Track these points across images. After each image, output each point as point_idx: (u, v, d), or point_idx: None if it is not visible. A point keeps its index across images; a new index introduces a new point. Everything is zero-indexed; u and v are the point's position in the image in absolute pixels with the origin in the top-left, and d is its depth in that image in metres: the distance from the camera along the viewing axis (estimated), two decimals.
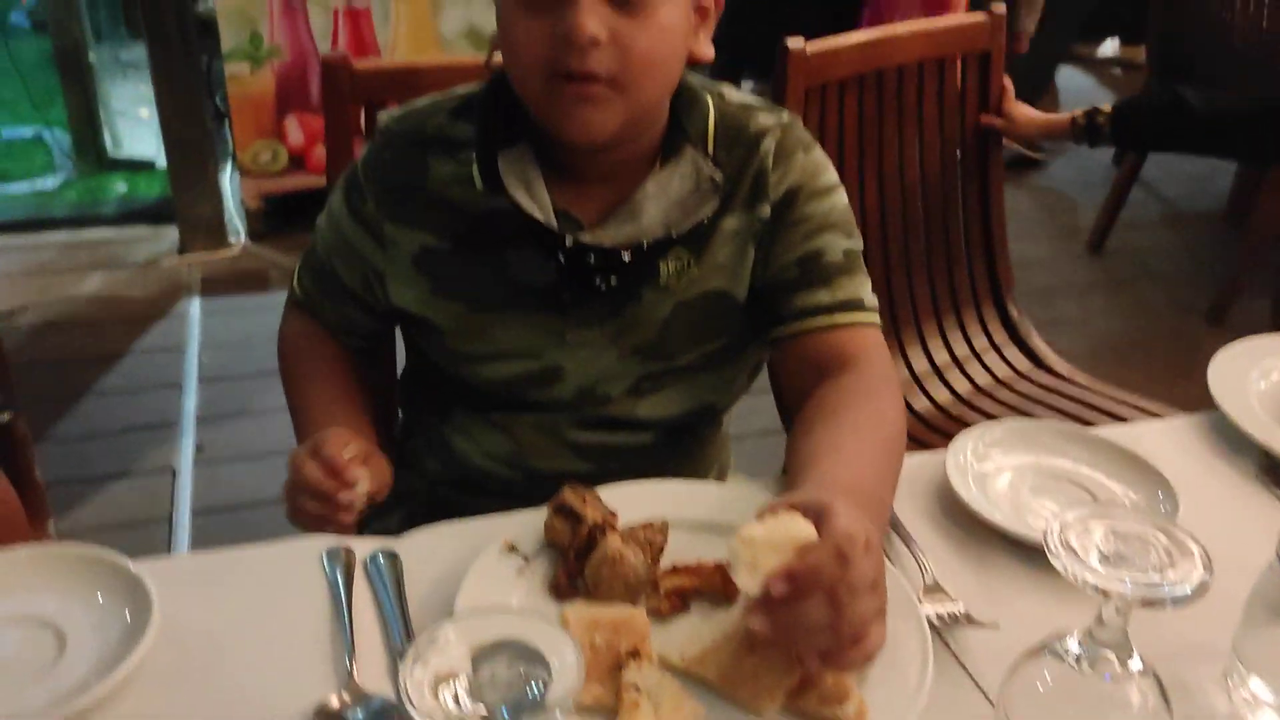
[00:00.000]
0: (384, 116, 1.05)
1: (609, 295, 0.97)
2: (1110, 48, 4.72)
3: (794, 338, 0.99)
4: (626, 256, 0.95)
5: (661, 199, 0.96)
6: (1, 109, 3.30)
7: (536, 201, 0.94)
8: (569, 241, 0.94)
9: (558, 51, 0.86)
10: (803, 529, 0.69)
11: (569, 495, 0.84)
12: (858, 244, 1.02)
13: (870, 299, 1.00)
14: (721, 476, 1.17)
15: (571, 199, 0.96)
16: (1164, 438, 1.06)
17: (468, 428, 1.06)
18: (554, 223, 0.94)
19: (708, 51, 0.95)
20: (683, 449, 1.10)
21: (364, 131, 1.31)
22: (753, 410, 1.12)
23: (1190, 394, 1.18)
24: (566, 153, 0.95)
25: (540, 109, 0.91)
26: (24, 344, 2.51)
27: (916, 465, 0.96)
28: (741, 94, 1.03)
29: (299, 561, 0.86)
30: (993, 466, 0.97)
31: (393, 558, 0.85)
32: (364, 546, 0.87)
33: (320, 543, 0.87)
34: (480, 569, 0.81)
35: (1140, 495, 0.93)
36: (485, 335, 1.00)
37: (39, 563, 0.80)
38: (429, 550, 0.87)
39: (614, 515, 0.84)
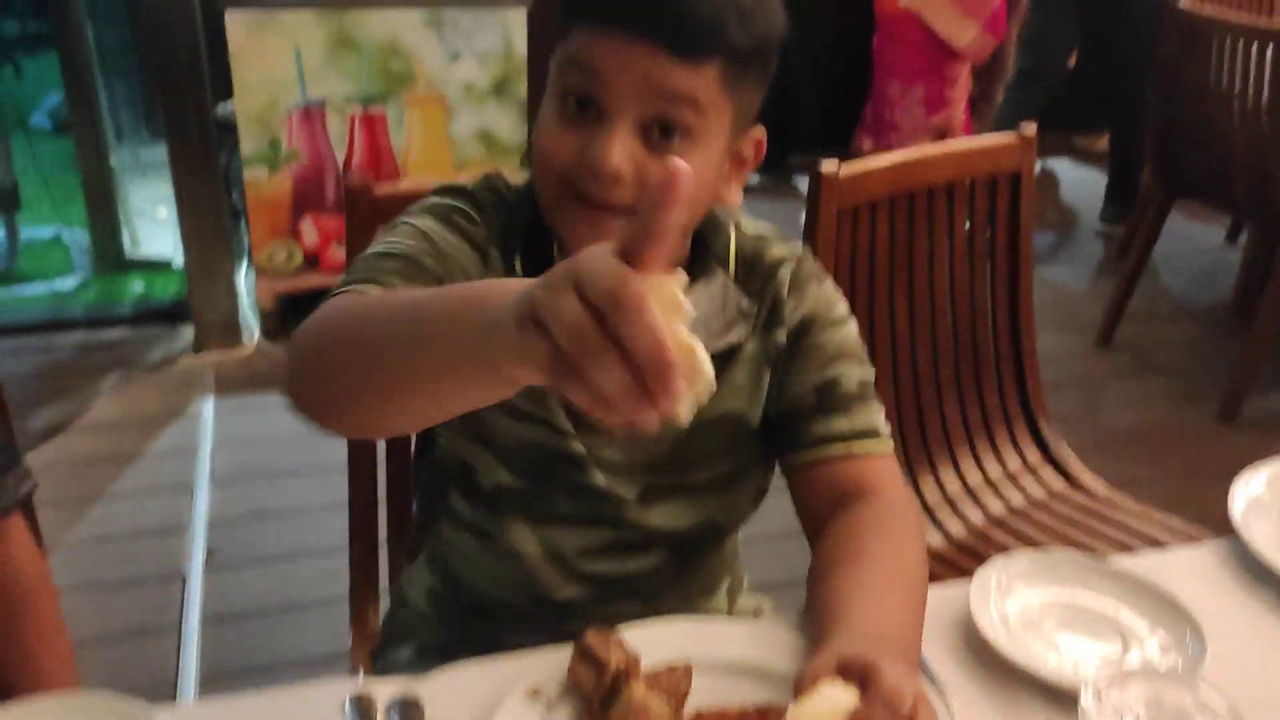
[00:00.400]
0: (456, 181, 1.00)
1: None
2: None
3: (811, 465, 0.99)
4: None
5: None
6: (23, 209, 3.34)
7: None
8: None
9: (579, 173, 0.87)
10: (845, 698, 0.70)
11: (592, 639, 0.84)
12: (870, 374, 1.03)
13: (885, 427, 1.02)
14: (734, 590, 1.16)
15: None
16: (1186, 567, 1.05)
17: (471, 554, 1.05)
18: None
19: (735, 198, 0.97)
20: (690, 569, 1.09)
21: None
22: (763, 513, 1.12)
23: (1204, 494, 1.18)
24: None
25: (551, 220, 0.92)
26: (38, 447, 2.51)
27: (940, 601, 0.95)
28: (755, 224, 1.06)
29: (320, 711, 0.85)
30: (1016, 603, 0.96)
31: (415, 707, 0.84)
32: (384, 690, 0.86)
33: (340, 690, 0.87)
34: (505, 717, 0.81)
35: (1168, 634, 0.92)
36: (527, 391, 0.97)
37: (63, 714, 0.80)
38: (452, 693, 0.86)
39: (637, 660, 0.83)
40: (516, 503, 1.01)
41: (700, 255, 0.99)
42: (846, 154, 4.61)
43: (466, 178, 1.00)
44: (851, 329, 1.04)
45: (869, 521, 0.94)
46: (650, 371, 0.52)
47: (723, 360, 0.99)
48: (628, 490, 1.01)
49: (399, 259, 0.88)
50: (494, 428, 1.00)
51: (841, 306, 1.04)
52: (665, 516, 1.03)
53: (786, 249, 1.04)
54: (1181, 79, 2.88)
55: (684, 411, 0.54)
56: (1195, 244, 4.04)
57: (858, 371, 1.02)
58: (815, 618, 0.86)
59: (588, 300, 0.53)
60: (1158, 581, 0.97)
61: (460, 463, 1.02)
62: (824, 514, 0.97)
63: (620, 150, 0.85)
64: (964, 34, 4.10)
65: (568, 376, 0.55)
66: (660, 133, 0.87)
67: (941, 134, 4.34)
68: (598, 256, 0.54)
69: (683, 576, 1.08)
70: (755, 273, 1.01)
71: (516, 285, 0.60)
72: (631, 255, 0.54)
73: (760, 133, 0.96)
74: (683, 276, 0.55)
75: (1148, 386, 3.09)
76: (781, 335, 1.01)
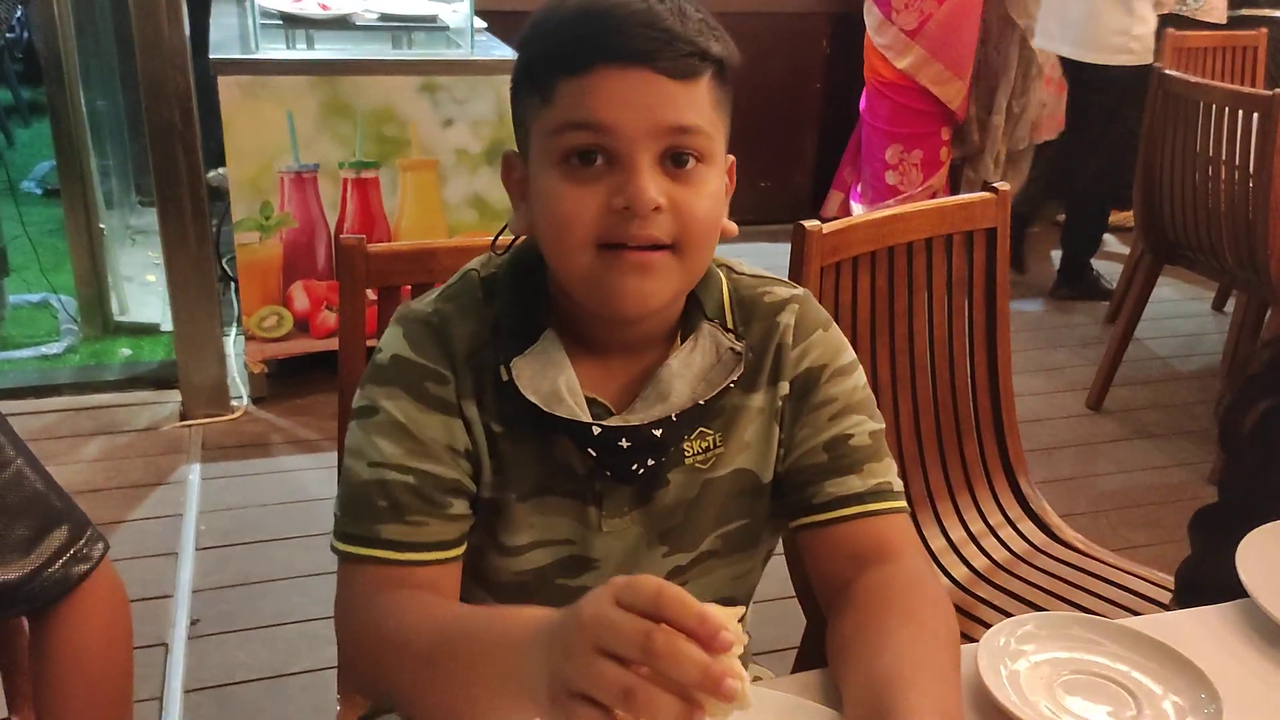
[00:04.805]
0: (422, 304, 0.97)
1: (639, 480, 0.95)
2: None
3: (826, 525, 0.97)
4: (658, 432, 0.92)
5: (687, 375, 0.94)
6: (11, 275, 3.33)
7: (568, 391, 0.92)
8: (596, 430, 0.91)
9: (613, 221, 0.85)
10: None
11: None
12: (880, 424, 1.01)
13: (897, 482, 1.00)
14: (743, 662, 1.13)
15: (598, 381, 0.95)
16: (1197, 628, 1.03)
17: None
18: (583, 414, 0.92)
19: (732, 227, 0.95)
20: None
21: (377, 313, 1.32)
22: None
23: None
24: (593, 328, 0.94)
25: (588, 283, 0.88)
26: None
27: None
28: (751, 267, 1.04)
29: None
30: (1026, 664, 0.94)
31: None
32: None
33: None
34: None
35: (1182, 697, 0.90)
36: (529, 524, 0.96)
37: None
38: None
39: None
40: (532, 595, 0.99)
41: (691, 310, 0.97)
42: (822, 220, 4.66)
43: (422, 302, 0.97)
44: (859, 378, 1.01)
45: (904, 585, 0.91)
46: (706, 644, 0.61)
47: (726, 415, 0.97)
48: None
49: (389, 510, 0.90)
50: (499, 569, 0.98)
51: (848, 353, 1.02)
52: None
53: (786, 290, 1.01)
54: (1167, 145, 2.92)
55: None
56: (1182, 309, 4.07)
57: (869, 424, 0.99)
58: (873, 684, 0.81)
59: (633, 610, 0.63)
60: (1169, 643, 0.95)
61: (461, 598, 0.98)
62: (843, 575, 0.94)
63: (653, 184, 0.85)
64: (957, 95, 4.18)
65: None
66: (674, 161, 0.86)
67: (934, 194, 4.39)
68: (626, 587, 0.64)
69: None
70: (755, 317, 0.99)
71: (522, 631, 0.72)
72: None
73: (732, 159, 0.95)
74: (739, 609, 0.65)
75: (1140, 450, 3.09)
76: (785, 386, 0.99)
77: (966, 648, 0.94)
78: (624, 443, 0.91)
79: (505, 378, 0.91)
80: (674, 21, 0.85)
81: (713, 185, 0.89)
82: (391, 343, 0.94)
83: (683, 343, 0.96)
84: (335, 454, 1.34)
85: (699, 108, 0.86)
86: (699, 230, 0.87)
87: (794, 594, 1.46)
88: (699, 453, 0.97)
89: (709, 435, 0.97)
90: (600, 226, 0.85)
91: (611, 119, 0.84)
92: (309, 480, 2.68)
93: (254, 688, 2.04)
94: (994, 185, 1.61)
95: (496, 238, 0.98)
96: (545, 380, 0.92)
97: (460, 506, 0.93)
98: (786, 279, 1.05)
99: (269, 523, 2.52)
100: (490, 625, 0.78)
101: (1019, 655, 0.94)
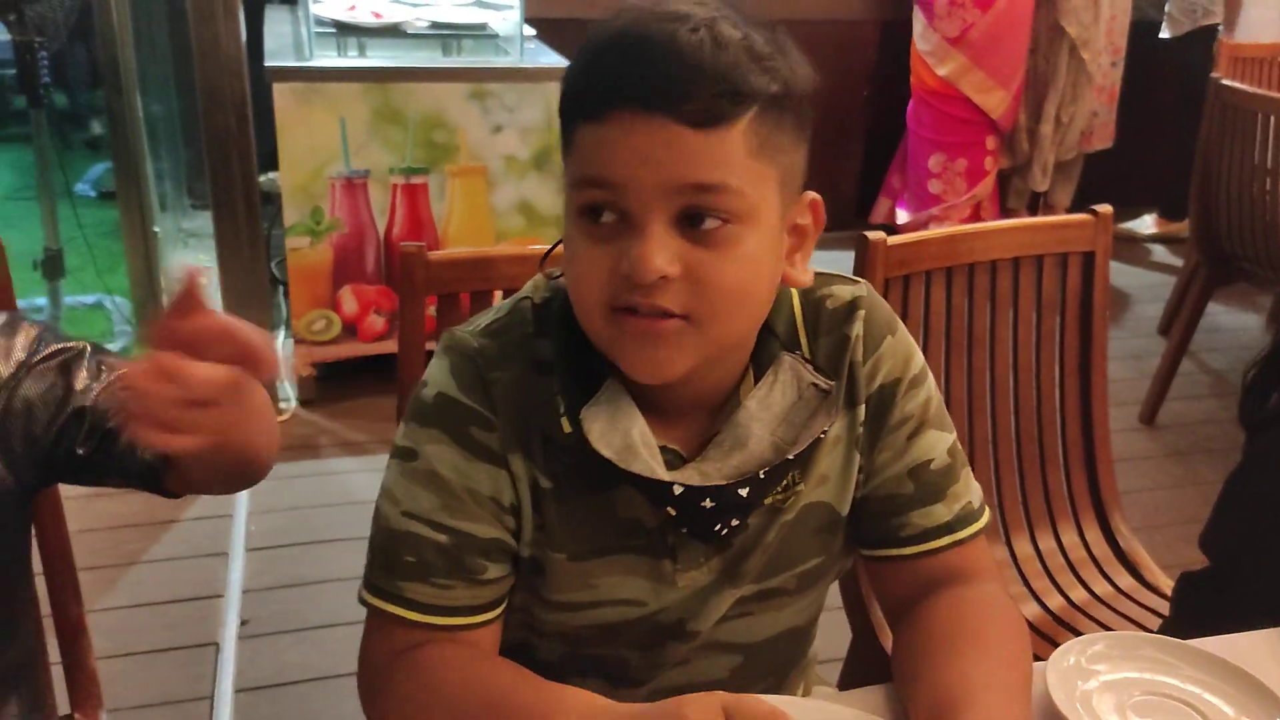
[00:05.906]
0: (469, 334, 0.89)
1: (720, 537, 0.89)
2: (1148, 223, 4.74)
3: (910, 558, 0.94)
4: (744, 492, 0.85)
5: (765, 417, 0.87)
6: (67, 276, 3.38)
7: (643, 444, 0.84)
8: (678, 490, 0.84)
9: (621, 287, 0.78)
10: None
11: None
12: (952, 433, 0.97)
13: (977, 495, 0.97)
14: (809, 682, 1.11)
15: (666, 429, 0.88)
16: (1270, 650, 1.01)
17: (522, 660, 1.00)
18: (660, 469, 0.84)
19: (804, 277, 0.87)
20: (767, 674, 1.02)
21: (437, 323, 1.33)
22: None
23: None
24: (647, 385, 0.85)
25: (603, 345, 0.83)
26: (79, 510, 2.50)
27: None
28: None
29: None
30: (1096, 684, 0.92)
31: None
32: None
33: None
34: None
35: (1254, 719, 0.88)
36: (588, 585, 0.90)
37: None
38: None
39: None
40: (585, 669, 0.95)
41: (763, 340, 0.89)
42: (869, 225, 4.64)
43: (469, 335, 0.89)
44: (930, 384, 0.96)
45: (976, 607, 0.89)
46: None
47: (809, 449, 0.88)
48: (704, 623, 0.93)
49: (415, 567, 0.86)
50: (554, 621, 0.93)
51: (917, 359, 0.95)
52: (735, 633, 0.96)
53: (848, 289, 0.93)
54: (1225, 157, 2.87)
55: None
56: (1236, 321, 4.00)
57: (946, 438, 0.95)
58: (938, 702, 0.80)
59: None
60: (1241, 665, 0.93)
61: (516, 642, 0.95)
62: (915, 597, 0.93)
63: (662, 251, 0.76)
64: (1000, 105, 4.14)
65: None
66: (692, 221, 0.77)
67: (979, 204, 4.36)
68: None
69: (757, 681, 1.01)
70: (821, 330, 0.91)
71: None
72: None
73: (813, 196, 0.86)
74: None
75: (1195, 466, 3.04)
76: (861, 409, 0.92)
77: (1035, 665, 0.93)
78: (708, 503, 0.85)
79: (568, 429, 0.84)
80: (704, 54, 0.74)
81: (748, 247, 0.78)
82: (437, 378, 0.88)
83: (758, 378, 0.88)
84: (384, 458, 1.35)
85: (727, 162, 0.76)
86: (719, 302, 0.78)
87: (841, 605, 1.44)
88: (778, 492, 0.90)
89: (789, 473, 0.90)
90: (609, 290, 0.79)
91: (623, 176, 0.76)
92: (357, 482, 2.70)
93: (305, 688, 2.06)
94: (1094, 208, 1.53)
95: (546, 255, 0.91)
96: (617, 433, 0.84)
97: (496, 570, 0.88)
98: (840, 273, 0.96)
99: (318, 524, 2.54)
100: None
101: (1090, 675, 0.93)
